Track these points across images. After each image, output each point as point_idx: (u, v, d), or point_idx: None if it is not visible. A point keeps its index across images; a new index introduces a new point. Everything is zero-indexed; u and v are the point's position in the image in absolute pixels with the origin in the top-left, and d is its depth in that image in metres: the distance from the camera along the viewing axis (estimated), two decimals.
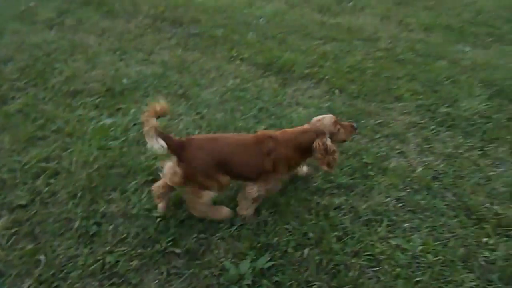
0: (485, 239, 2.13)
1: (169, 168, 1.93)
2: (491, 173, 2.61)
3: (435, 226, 2.20)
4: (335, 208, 2.27)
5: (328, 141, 2.00)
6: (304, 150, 2.03)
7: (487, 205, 2.34)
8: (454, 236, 2.14)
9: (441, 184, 2.49)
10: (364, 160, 2.62)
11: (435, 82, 3.71)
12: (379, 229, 2.15)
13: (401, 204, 2.34)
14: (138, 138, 2.77)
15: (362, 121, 3.07)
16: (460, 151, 2.81)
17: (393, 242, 2.08)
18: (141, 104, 3.20)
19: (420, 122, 3.12)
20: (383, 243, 2.08)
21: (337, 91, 3.50)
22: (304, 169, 2.44)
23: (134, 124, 2.95)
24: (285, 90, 3.51)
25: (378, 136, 2.92)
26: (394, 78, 3.76)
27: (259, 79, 3.68)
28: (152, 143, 1.79)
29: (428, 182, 2.49)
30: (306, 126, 2.08)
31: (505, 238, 2.14)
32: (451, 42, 4.73)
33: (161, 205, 2.14)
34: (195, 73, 3.76)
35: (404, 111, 3.26)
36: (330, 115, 2.12)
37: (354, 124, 2.20)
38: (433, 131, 3.02)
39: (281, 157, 1.99)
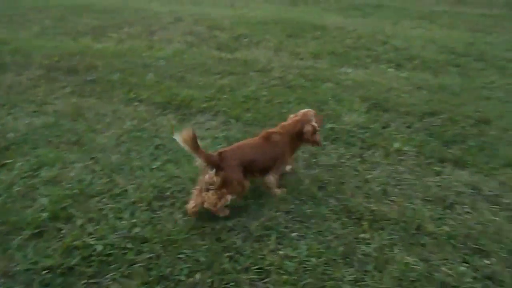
0: (362, 235, 2.37)
1: (209, 178, 2.31)
2: (368, 176, 2.94)
3: (320, 231, 2.41)
4: (229, 231, 2.38)
5: (315, 125, 2.65)
6: (300, 135, 2.63)
7: (365, 204, 2.63)
8: (336, 237, 2.36)
9: (325, 192, 2.74)
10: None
11: (322, 102, 4.11)
12: (269, 242, 2.29)
13: (290, 216, 2.52)
14: (24, 192, 2.66)
15: None
16: (342, 161, 3.13)
17: (281, 252, 2.23)
18: (30, 156, 3.08)
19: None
20: (273, 255, 2.21)
21: (233, 121, 3.71)
22: (288, 167, 2.87)
23: (22, 178, 2.83)
24: (183, 125, 3.63)
25: None
26: (286, 102, 4.09)
27: (158, 117, 3.77)
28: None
29: (314, 192, 2.72)
30: (296, 118, 2.68)
31: (379, 231, 2.41)
32: (336, 66, 5.30)
33: (193, 205, 2.44)
34: (90, 119, 3.73)
35: None
36: (312, 110, 2.77)
37: (323, 116, 3.04)
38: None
39: (285, 142, 2.59)
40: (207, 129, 3.58)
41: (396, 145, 3.34)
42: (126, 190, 2.73)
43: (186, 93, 4.19)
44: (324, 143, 3.37)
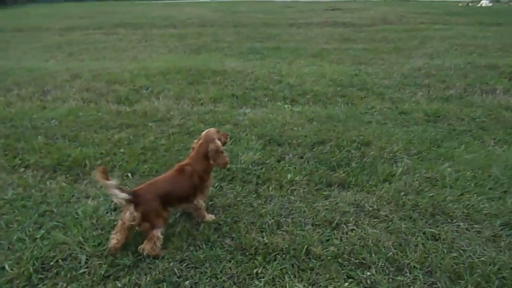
0: (255, 270, 2.43)
1: (129, 214, 2.39)
2: (263, 210, 3.06)
3: (215, 274, 2.42)
4: None
5: (218, 143, 2.76)
6: (207, 156, 2.73)
7: (258, 238, 2.71)
8: (230, 277, 2.39)
9: (220, 233, 2.78)
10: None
11: None
12: None
13: (184, 264, 2.50)
14: None
15: None
16: (238, 199, 3.23)
17: None
18: None
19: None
20: None
21: (129, 174, 3.65)
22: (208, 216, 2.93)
23: None
24: (74, 186, 3.47)
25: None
26: (184, 149, 4.14)
27: (46, 182, 3.56)
28: (118, 196, 2.32)
29: (209, 235, 2.74)
30: (199, 141, 2.80)
31: (272, 263, 2.49)
32: (235, 107, 5.55)
33: (114, 242, 2.51)
34: None
35: None
36: (213, 128, 2.92)
37: (228, 133, 3.13)
38: (216, 187, 3.40)
39: (200, 170, 2.71)
40: (101, 187, 3.46)
41: (289, 176, 3.55)
42: (3, 268, 2.49)
43: (78, 152, 4.03)
44: (222, 184, 3.47)
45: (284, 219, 2.96)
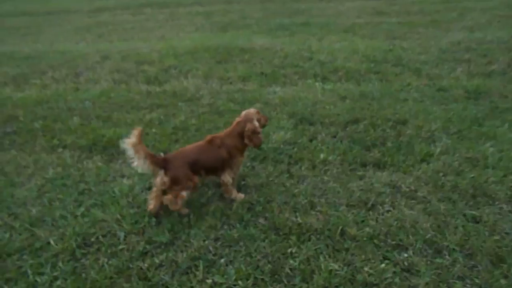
0: (289, 250, 2.46)
1: (159, 179, 2.61)
2: (296, 190, 3.06)
3: (249, 252, 2.46)
4: (156, 268, 2.37)
5: (256, 124, 2.83)
6: (242, 135, 2.82)
7: (292, 219, 2.73)
8: (264, 255, 2.43)
9: (253, 212, 2.82)
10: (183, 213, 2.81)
11: None
12: (197, 273, 2.31)
13: (219, 243, 2.56)
14: None
15: None
16: (271, 179, 3.25)
17: (209, 281, 2.25)
18: None
19: None
20: (201, 285, 2.23)
21: (162, 154, 3.72)
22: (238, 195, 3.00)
23: None
24: (110, 166, 3.59)
25: (199, 186, 3.17)
26: (215, 128, 4.18)
27: (83, 161, 3.70)
28: (140, 164, 2.50)
29: (242, 214, 2.79)
30: (238, 119, 2.88)
31: (306, 243, 2.51)
32: (264, 86, 5.52)
33: (151, 206, 2.78)
34: (10, 173, 3.58)
35: None
36: (253, 108, 2.98)
37: (267, 117, 3.22)
38: (248, 167, 3.43)
39: (230, 145, 2.80)
40: (133, 160, 3.56)
41: (322, 156, 3.52)
42: (48, 243, 2.64)
43: (112, 133, 4.15)
44: (254, 163, 3.49)
45: (317, 199, 2.95)
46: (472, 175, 3.13)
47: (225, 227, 2.69)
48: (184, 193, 2.65)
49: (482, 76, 5.48)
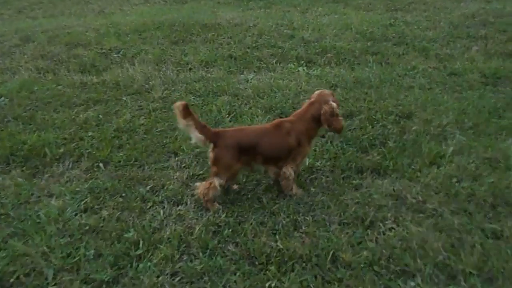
0: (268, 283, 2.46)
1: (210, 152, 2.99)
2: (275, 207, 3.07)
3: None
4: None
5: (334, 105, 3.01)
6: (316, 119, 3.03)
7: (271, 244, 2.74)
8: None
9: (221, 237, 2.81)
10: (129, 241, 2.77)
11: (216, 121, 4.25)
12: None
13: (177, 279, 2.53)
14: None
15: (132, 193, 3.27)
16: (242, 193, 3.24)
17: None
18: None
19: (200, 172, 3.50)
20: None
21: (100, 164, 3.67)
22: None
23: None
24: (33, 182, 3.50)
25: (150, 205, 3.14)
26: (170, 130, 4.15)
27: None
28: (195, 135, 2.90)
29: (207, 241, 2.77)
30: (310, 100, 3.11)
31: (289, 274, 2.51)
32: (234, 72, 5.53)
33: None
34: None
35: (183, 165, 3.61)
36: (324, 89, 3.21)
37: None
38: None
39: (301, 131, 3.02)
40: (66, 181, 3.49)
41: (307, 161, 3.55)
42: None
43: (36, 138, 4.04)
44: None
45: (302, 217, 2.98)
46: (491, 180, 3.22)
47: (185, 257, 2.68)
48: (217, 183, 2.94)
49: (502, 56, 5.67)
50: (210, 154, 2.98)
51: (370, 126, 4.06)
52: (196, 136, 2.89)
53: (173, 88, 5.10)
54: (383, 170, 3.44)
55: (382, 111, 4.31)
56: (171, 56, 6.16)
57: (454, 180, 3.27)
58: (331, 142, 3.85)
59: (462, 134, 3.87)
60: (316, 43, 6.42)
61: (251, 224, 2.91)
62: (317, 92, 3.15)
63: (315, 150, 3.72)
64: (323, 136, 3.60)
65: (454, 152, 3.60)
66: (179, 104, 2.83)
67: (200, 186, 3.02)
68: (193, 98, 4.80)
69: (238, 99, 4.73)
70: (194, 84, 5.15)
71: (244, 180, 3.38)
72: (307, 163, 3.50)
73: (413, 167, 3.45)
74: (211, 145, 2.96)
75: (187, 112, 2.84)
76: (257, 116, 4.31)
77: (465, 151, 3.62)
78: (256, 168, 3.22)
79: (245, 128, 3.25)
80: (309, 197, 3.18)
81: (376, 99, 4.58)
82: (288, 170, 3.05)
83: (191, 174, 3.48)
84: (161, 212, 3.06)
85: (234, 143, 2.92)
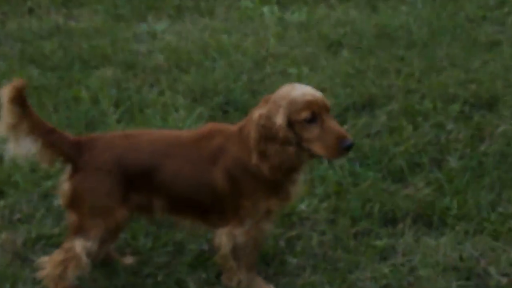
0: None
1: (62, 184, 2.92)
2: None
3: None
4: None
5: (275, 122, 2.75)
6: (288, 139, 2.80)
7: None
8: None
9: None
10: None
11: (88, 123, 4.20)
12: None
13: None
14: None
15: None
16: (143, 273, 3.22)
17: None
18: None
19: (54, 231, 3.47)
20: None
21: None
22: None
23: None
24: None
25: None
26: None
27: None
28: (32, 147, 2.80)
29: None
30: (269, 100, 2.88)
31: None
32: (126, 19, 5.51)
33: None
34: None
35: (14, 216, 3.60)
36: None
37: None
38: None
39: (241, 163, 2.89)
40: None
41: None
42: None
43: None
44: None
45: None
46: None
47: None
48: (80, 246, 2.83)
49: None
50: (64, 187, 2.91)
51: (411, 126, 4.07)
52: (34, 148, 2.82)
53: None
54: (438, 218, 3.45)
55: (434, 95, 4.34)
56: None
57: None
58: (328, 161, 3.85)
59: None
60: None
61: None
62: (283, 88, 2.97)
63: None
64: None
65: None
66: (10, 86, 2.70)
67: (49, 263, 2.88)
68: (38, 73, 4.75)
69: (136, 75, 4.71)
70: (39, 43, 5.14)
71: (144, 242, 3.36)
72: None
73: (500, 209, 3.49)
74: (68, 167, 2.92)
75: (21, 102, 2.75)
76: (175, 111, 4.27)
77: None
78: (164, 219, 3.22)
79: (138, 134, 3.16)
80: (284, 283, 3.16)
81: (423, 70, 4.63)
82: (224, 238, 2.96)
83: (32, 234, 3.44)
84: None
85: (113, 161, 2.89)
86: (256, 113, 2.83)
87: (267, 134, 2.80)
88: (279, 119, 2.77)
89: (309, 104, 2.81)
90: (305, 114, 2.79)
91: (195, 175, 2.92)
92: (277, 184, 2.94)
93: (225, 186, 2.89)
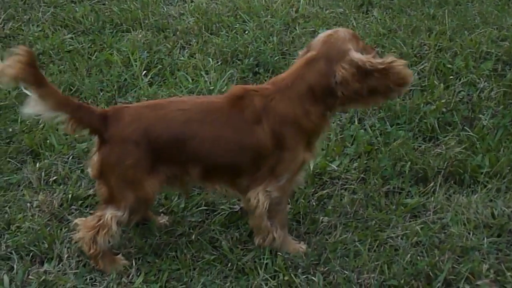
0: None
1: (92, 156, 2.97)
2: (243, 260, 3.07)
3: None
4: None
5: (359, 58, 2.77)
6: (320, 95, 2.87)
7: None
8: None
9: None
10: None
11: (120, 86, 4.22)
12: None
13: None
14: None
15: None
16: (178, 233, 3.24)
17: None
18: None
19: (89, 192, 3.51)
20: None
21: None
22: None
23: None
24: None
25: None
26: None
27: None
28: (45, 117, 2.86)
29: None
30: (309, 53, 2.92)
31: None
32: None
33: None
34: None
35: (50, 179, 3.64)
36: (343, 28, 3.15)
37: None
38: None
39: (286, 117, 2.89)
40: None
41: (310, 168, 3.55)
42: None
43: None
44: None
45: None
46: None
47: None
48: (111, 216, 2.87)
49: None
50: (94, 159, 2.94)
51: (442, 86, 4.07)
52: (62, 121, 2.84)
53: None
54: (469, 176, 3.46)
55: (466, 54, 4.32)
56: None
57: None
58: (359, 121, 3.86)
59: None
60: None
61: None
62: (322, 35, 3.01)
63: (327, 143, 3.73)
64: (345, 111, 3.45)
65: None
66: (20, 52, 2.63)
67: (83, 226, 2.95)
68: (70, 37, 4.78)
69: (167, 38, 4.72)
70: (71, 7, 5.15)
71: (177, 201, 3.39)
72: (306, 174, 3.45)
73: None
74: (96, 140, 2.93)
75: (34, 71, 2.71)
76: (206, 73, 4.29)
77: None
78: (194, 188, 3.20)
79: (165, 104, 3.08)
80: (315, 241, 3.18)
81: (455, 28, 4.61)
82: (260, 196, 2.94)
83: (68, 195, 3.48)
84: (5, 278, 3.05)
85: (140, 133, 2.86)
86: (340, 70, 2.78)
87: (356, 75, 2.78)
88: (359, 58, 2.78)
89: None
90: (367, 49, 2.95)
91: (237, 138, 2.90)
92: (313, 137, 2.97)
93: (269, 143, 2.87)
